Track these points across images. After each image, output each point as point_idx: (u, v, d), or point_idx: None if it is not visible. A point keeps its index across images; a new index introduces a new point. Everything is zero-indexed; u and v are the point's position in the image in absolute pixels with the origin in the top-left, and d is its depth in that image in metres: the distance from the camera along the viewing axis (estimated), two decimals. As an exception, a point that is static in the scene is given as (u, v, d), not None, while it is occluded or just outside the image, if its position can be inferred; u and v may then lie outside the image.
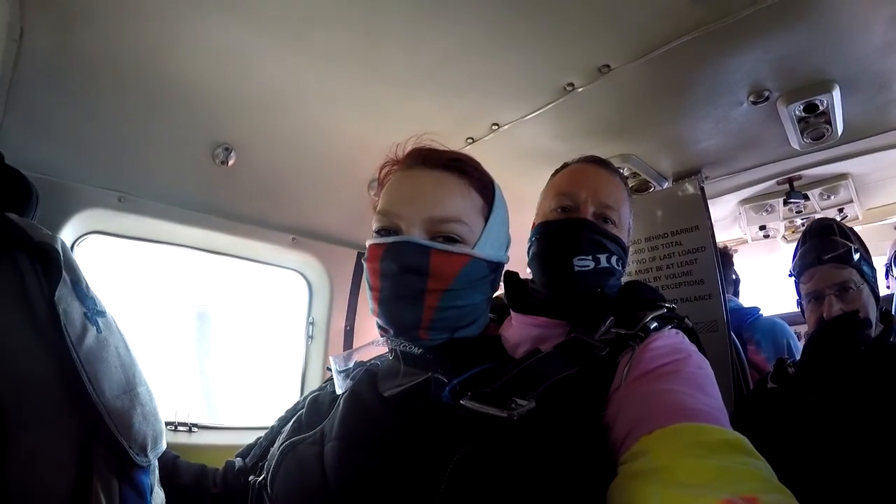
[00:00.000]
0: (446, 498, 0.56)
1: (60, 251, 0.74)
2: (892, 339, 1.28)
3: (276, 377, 1.83)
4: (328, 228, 1.73)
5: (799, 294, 1.37)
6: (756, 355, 1.74)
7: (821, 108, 1.27)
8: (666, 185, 1.69)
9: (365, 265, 0.76)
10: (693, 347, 0.81)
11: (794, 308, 1.44)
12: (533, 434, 0.60)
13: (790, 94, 1.26)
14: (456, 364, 0.71)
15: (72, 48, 1.08)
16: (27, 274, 0.70)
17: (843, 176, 1.73)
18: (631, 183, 1.66)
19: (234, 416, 1.74)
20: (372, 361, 0.84)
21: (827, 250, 1.28)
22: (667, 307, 0.87)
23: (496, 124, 1.41)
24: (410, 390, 0.69)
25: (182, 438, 1.45)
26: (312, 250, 1.71)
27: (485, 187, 0.79)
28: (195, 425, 1.48)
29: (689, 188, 1.60)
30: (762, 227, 2.10)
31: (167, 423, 1.42)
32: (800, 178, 1.75)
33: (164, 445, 0.82)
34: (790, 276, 1.40)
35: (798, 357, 1.39)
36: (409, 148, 0.81)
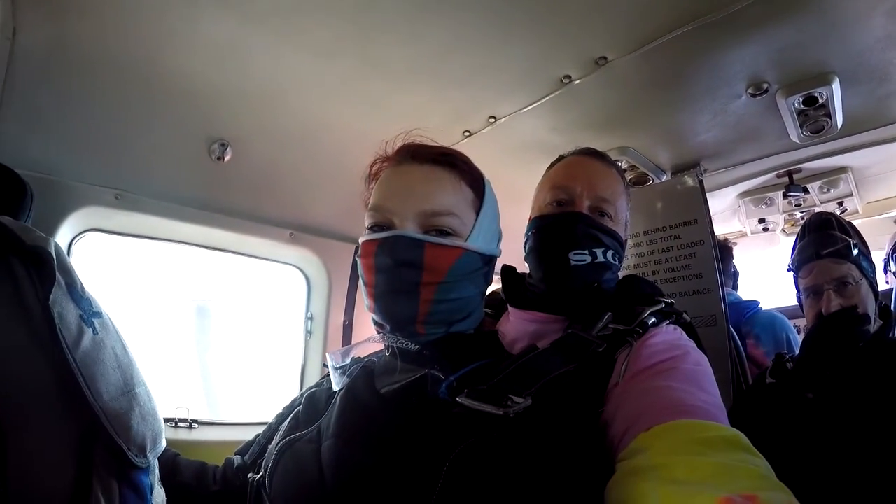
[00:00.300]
0: (443, 496, 0.55)
1: (54, 254, 0.73)
2: (890, 335, 1.28)
3: (275, 372, 1.83)
4: (325, 223, 1.73)
5: (798, 289, 1.36)
6: (755, 349, 1.74)
7: (820, 100, 1.26)
8: (664, 177, 1.69)
9: (359, 262, 0.76)
10: (691, 343, 0.81)
11: (794, 302, 1.43)
12: (529, 431, 0.60)
13: (789, 87, 1.25)
14: (453, 360, 0.71)
15: (66, 46, 1.08)
16: (21, 279, 0.69)
17: (842, 169, 1.72)
18: (629, 176, 1.65)
19: (233, 412, 1.74)
20: (369, 358, 0.84)
21: (826, 245, 1.27)
22: (665, 302, 0.87)
23: (493, 117, 1.41)
24: (407, 387, 0.69)
25: (182, 435, 1.46)
26: (310, 245, 1.71)
27: (475, 181, 0.79)
28: (195, 421, 1.49)
29: (688, 181, 1.59)
30: (761, 220, 2.10)
31: (167, 420, 1.43)
32: (799, 171, 1.74)
33: (163, 445, 0.81)
34: (789, 270, 1.39)
35: (797, 351, 1.38)
36: (398, 144, 0.81)
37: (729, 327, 1.48)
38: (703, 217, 1.53)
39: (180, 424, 1.47)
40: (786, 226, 2.16)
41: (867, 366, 1.16)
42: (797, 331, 1.83)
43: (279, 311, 1.87)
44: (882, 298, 1.32)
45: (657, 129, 1.49)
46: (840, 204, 1.88)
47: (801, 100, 1.26)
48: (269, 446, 0.80)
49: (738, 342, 1.68)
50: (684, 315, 0.89)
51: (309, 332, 1.76)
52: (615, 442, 0.63)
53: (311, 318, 1.77)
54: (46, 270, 0.71)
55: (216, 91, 1.25)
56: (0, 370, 0.63)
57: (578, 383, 0.70)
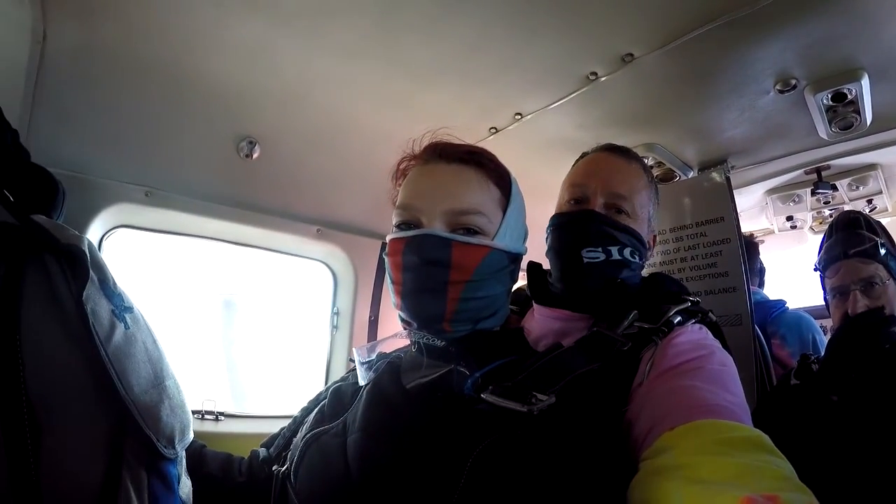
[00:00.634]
0: (466, 492, 0.56)
1: (87, 251, 0.75)
2: None
3: (300, 366, 1.85)
4: (352, 219, 1.75)
5: (824, 289, 1.34)
6: (781, 350, 1.71)
7: (849, 96, 1.23)
8: (691, 174, 1.66)
9: (386, 259, 0.77)
10: (717, 343, 0.81)
11: (821, 301, 1.41)
12: (553, 429, 0.60)
13: (818, 83, 1.22)
14: (478, 356, 0.72)
15: (95, 48, 1.11)
16: (55, 275, 0.72)
17: (872, 166, 1.68)
18: (655, 172, 1.63)
19: (260, 405, 1.77)
20: (395, 353, 0.85)
21: (853, 244, 1.25)
22: (691, 301, 0.87)
23: (519, 114, 1.41)
24: (433, 383, 0.70)
25: (209, 427, 1.49)
26: (337, 241, 1.72)
27: (501, 179, 0.80)
28: (222, 414, 1.52)
29: (715, 178, 1.57)
30: (789, 218, 2.06)
31: (194, 412, 1.46)
32: (828, 167, 1.70)
33: (191, 436, 0.83)
34: (815, 269, 1.37)
35: (823, 352, 1.36)
36: (425, 142, 0.82)
37: (754, 327, 1.46)
38: (730, 215, 1.51)
39: (207, 417, 1.50)
40: (814, 223, 2.12)
41: (893, 368, 1.14)
42: (824, 331, 1.80)
43: (305, 306, 1.89)
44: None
45: (684, 125, 1.47)
46: (869, 202, 1.84)
47: (829, 96, 1.24)
48: (295, 439, 0.82)
49: (764, 342, 1.66)
50: (710, 314, 0.89)
51: (335, 328, 1.78)
52: (639, 441, 0.64)
53: (337, 314, 1.79)
54: (80, 267, 0.73)
55: (244, 90, 1.27)
56: (35, 366, 0.65)
57: (603, 382, 0.70)
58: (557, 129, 1.47)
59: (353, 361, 0.84)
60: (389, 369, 0.77)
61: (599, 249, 0.91)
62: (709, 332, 0.84)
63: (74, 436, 0.67)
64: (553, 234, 0.97)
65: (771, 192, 1.90)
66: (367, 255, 1.77)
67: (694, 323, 0.84)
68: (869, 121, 1.31)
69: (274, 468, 0.79)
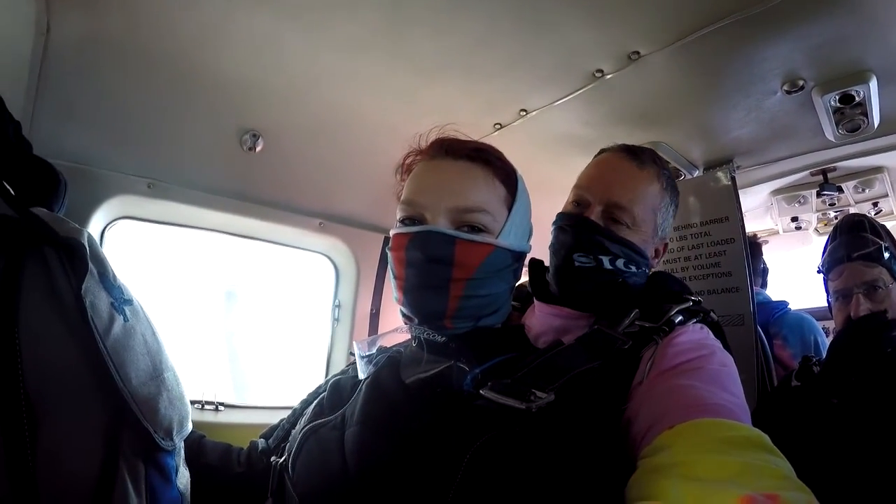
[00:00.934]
0: (462, 488, 0.56)
1: (86, 245, 0.76)
2: None
3: (301, 358, 1.86)
4: (355, 213, 1.75)
5: (827, 291, 1.34)
6: (782, 350, 1.71)
7: (857, 98, 1.22)
8: (697, 173, 1.65)
9: (389, 254, 0.77)
10: (717, 344, 0.81)
11: (824, 303, 1.41)
12: (551, 427, 0.60)
13: (826, 84, 1.21)
14: (479, 353, 0.72)
15: (99, 40, 1.10)
16: (55, 268, 0.72)
17: (878, 169, 1.67)
18: (661, 171, 1.63)
19: (260, 396, 1.78)
20: (395, 348, 0.85)
21: (857, 247, 1.25)
22: (692, 300, 0.86)
23: (524, 110, 1.40)
24: (432, 378, 0.70)
25: (209, 417, 1.49)
26: (339, 234, 1.73)
27: (508, 177, 0.79)
28: (222, 404, 1.53)
29: (720, 178, 1.56)
30: (794, 219, 2.05)
31: (194, 402, 1.47)
32: (834, 169, 1.69)
33: (189, 427, 0.84)
34: (819, 272, 1.37)
35: (825, 354, 1.36)
36: (432, 137, 0.82)
37: (756, 327, 1.46)
38: (735, 215, 1.50)
39: (207, 407, 1.51)
40: (819, 225, 2.11)
41: (894, 373, 1.14)
42: (826, 333, 1.79)
43: (307, 299, 1.90)
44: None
45: (690, 124, 1.46)
46: (875, 205, 1.84)
47: (837, 98, 1.23)
48: (293, 431, 0.82)
49: (765, 342, 1.66)
50: (711, 314, 0.89)
51: (336, 320, 1.79)
52: (638, 439, 0.63)
53: (338, 306, 1.80)
54: (79, 261, 0.73)
55: (248, 83, 1.27)
56: (34, 358, 0.65)
57: (602, 380, 0.70)
58: (563, 126, 1.46)
59: (354, 355, 0.84)
60: (389, 364, 0.77)
61: (591, 256, 0.90)
62: (710, 332, 0.84)
63: (72, 428, 0.68)
64: (553, 234, 0.97)
65: (776, 192, 1.89)
66: (369, 249, 1.78)
67: (695, 323, 0.84)
68: (876, 123, 1.30)
69: (272, 459, 0.80)
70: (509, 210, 0.77)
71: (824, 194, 1.74)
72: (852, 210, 1.89)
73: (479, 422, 0.61)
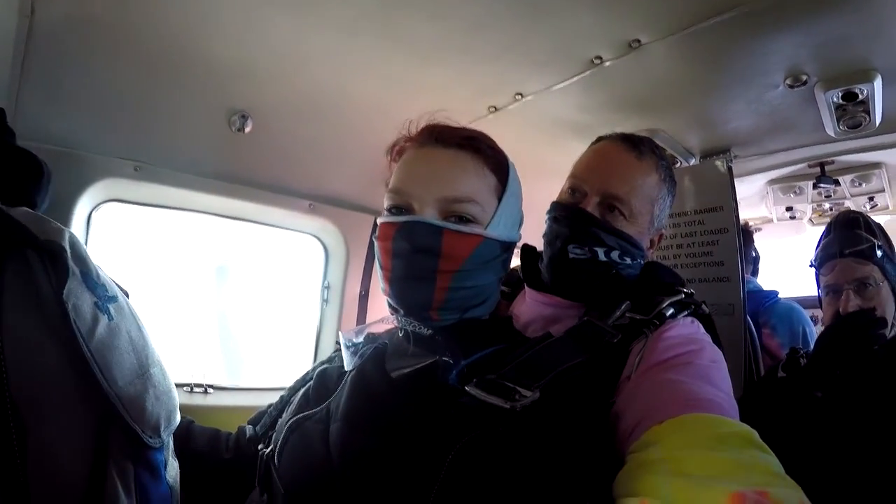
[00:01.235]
0: (444, 487, 0.56)
1: (67, 247, 0.74)
2: None
3: (290, 338, 1.86)
4: (345, 194, 1.73)
5: (818, 285, 1.34)
6: (770, 340, 1.73)
7: (860, 96, 1.21)
8: (693, 161, 1.64)
9: (376, 243, 0.75)
10: (707, 338, 0.80)
11: (814, 291, 1.42)
12: (536, 426, 0.60)
13: (829, 81, 1.20)
14: (465, 345, 0.71)
15: (84, 21, 1.06)
16: (37, 270, 0.71)
17: (876, 165, 1.68)
18: (657, 157, 1.62)
19: (249, 374, 1.78)
20: (381, 339, 0.83)
21: (850, 244, 1.25)
22: (685, 292, 0.86)
23: (520, 94, 1.37)
24: (417, 373, 0.69)
25: (198, 400, 1.49)
26: (329, 216, 1.71)
27: (499, 166, 0.77)
28: (211, 386, 1.52)
29: (717, 167, 1.55)
30: (789, 209, 2.06)
31: (183, 385, 1.47)
32: (832, 162, 1.69)
33: (177, 420, 0.84)
34: (811, 266, 1.37)
35: (812, 347, 1.37)
36: (422, 124, 0.80)
37: (746, 317, 1.47)
38: (730, 205, 1.50)
39: (196, 389, 1.50)
40: (813, 215, 2.12)
41: (879, 370, 1.15)
42: (815, 321, 1.81)
43: (295, 278, 1.89)
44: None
45: (688, 113, 1.45)
46: (871, 199, 1.84)
47: (840, 94, 1.22)
48: (280, 420, 0.81)
49: (754, 332, 1.67)
50: (703, 306, 0.88)
51: (325, 301, 1.78)
52: (626, 434, 0.63)
53: (327, 287, 1.79)
54: (60, 264, 0.72)
55: (237, 63, 1.23)
56: (18, 366, 0.64)
57: (589, 375, 0.70)
58: (559, 110, 1.44)
59: (340, 344, 0.83)
60: (374, 356, 0.77)
61: (586, 248, 0.89)
62: (700, 326, 0.83)
63: (60, 434, 0.67)
64: (547, 224, 0.96)
65: (772, 182, 1.88)
66: (358, 230, 1.76)
67: (686, 316, 0.83)
68: (878, 121, 1.30)
69: (259, 447, 0.80)
70: (499, 200, 0.76)
71: (821, 186, 1.74)
72: (848, 203, 1.89)
73: (463, 420, 0.61)
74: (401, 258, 0.71)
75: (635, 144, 0.96)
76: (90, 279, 0.76)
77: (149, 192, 1.41)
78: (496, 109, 1.44)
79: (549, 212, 0.96)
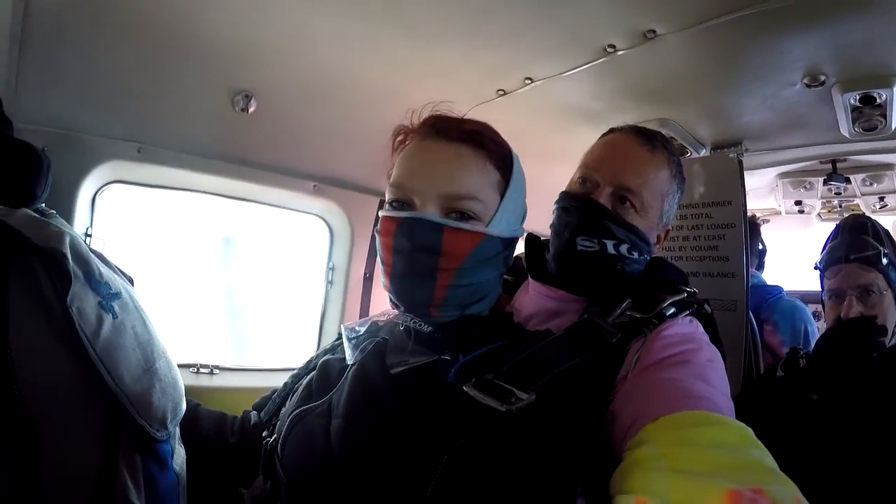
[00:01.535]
0: (439, 487, 0.57)
1: (69, 252, 0.74)
2: None
3: (295, 317, 1.87)
4: (350, 175, 1.71)
5: (822, 288, 1.34)
6: (772, 337, 1.73)
7: (878, 101, 1.20)
8: (703, 152, 1.62)
9: (378, 238, 0.75)
10: (705, 338, 0.80)
11: (818, 286, 1.41)
12: (531, 428, 0.61)
13: (848, 83, 1.19)
14: (465, 342, 0.72)
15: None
16: (40, 274, 0.71)
17: (889, 166, 1.66)
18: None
19: (255, 354, 1.80)
20: (382, 333, 0.82)
21: (856, 249, 1.25)
22: (687, 291, 0.85)
23: (529, 79, 1.34)
24: (417, 371, 0.70)
25: (204, 381, 1.50)
26: (334, 197, 1.69)
27: (502, 160, 0.76)
28: (217, 367, 1.53)
29: (727, 160, 1.53)
30: (798, 202, 2.04)
31: (189, 366, 1.48)
32: (844, 160, 1.67)
33: (183, 410, 0.86)
34: (816, 268, 1.37)
35: (812, 346, 1.37)
36: (425, 115, 0.78)
37: (748, 314, 1.46)
38: (738, 199, 1.47)
39: (202, 370, 1.51)
40: (822, 211, 2.10)
41: (876, 377, 1.16)
42: (817, 317, 1.81)
43: (301, 256, 1.89)
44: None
45: (701, 105, 1.42)
46: (881, 199, 1.82)
47: (857, 97, 1.21)
48: (283, 410, 0.82)
49: (756, 328, 1.67)
50: (706, 306, 0.88)
51: (330, 282, 1.78)
52: (622, 432, 0.64)
53: (332, 269, 1.78)
54: (62, 270, 0.72)
55: (240, 42, 1.21)
56: (27, 371, 0.65)
57: (587, 375, 0.70)
58: (570, 96, 1.41)
59: (342, 336, 0.84)
60: (375, 352, 0.77)
61: (595, 241, 0.89)
62: (699, 326, 0.83)
63: (71, 435, 0.69)
64: (556, 214, 0.95)
65: (783, 175, 1.86)
66: (363, 212, 1.75)
67: (686, 315, 0.83)
68: (894, 126, 1.28)
69: (264, 434, 0.81)
70: (502, 196, 0.75)
71: (831, 183, 1.72)
72: (857, 201, 1.88)
73: (460, 420, 0.62)
74: (401, 255, 0.70)
75: (648, 138, 0.95)
76: (93, 279, 0.77)
77: (152, 173, 1.40)
78: (505, 93, 1.41)
79: (558, 202, 0.95)
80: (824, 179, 1.73)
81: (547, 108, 1.48)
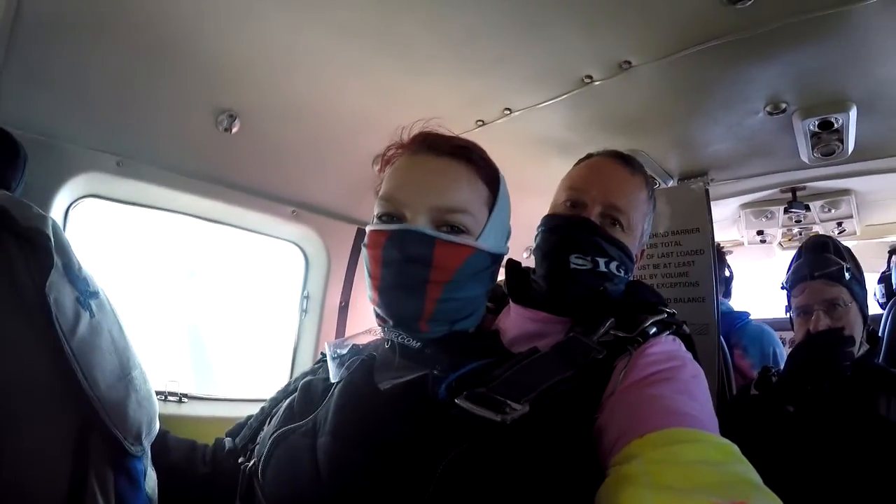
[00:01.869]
0: (435, 499, 0.56)
1: (51, 235, 0.70)
2: (876, 360, 1.31)
3: (268, 348, 1.82)
4: (328, 202, 1.70)
5: (790, 306, 1.39)
6: (742, 360, 1.77)
7: (835, 125, 1.27)
8: (671, 183, 1.69)
9: (365, 251, 0.74)
10: (688, 356, 0.81)
11: (783, 313, 1.46)
12: (525, 439, 0.60)
13: (807, 109, 1.26)
14: (454, 358, 0.71)
15: (72, 6, 1.03)
16: (15, 258, 0.67)
17: (846, 191, 1.75)
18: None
19: (225, 383, 1.73)
20: (367, 351, 0.81)
21: (819, 267, 1.31)
22: (667, 312, 0.87)
23: (508, 109, 1.39)
24: (407, 386, 0.68)
25: (172, 409, 1.44)
26: (311, 223, 1.68)
27: (490, 177, 0.78)
28: (185, 395, 1.47)
29: (694, 189, 1.59)
30: (760, 232, 2.13)
31: (157, 393, 1.40)
32: (804, 188, 1.76)
33: (157, 428, 0.80)
34: (783, 288, 1.42)
35: (782, 365, 1.41)
36: (415, 131, 0.79)
37: (720, 337, 1.50)
38: (706, 227, 1.54)
39: (170, 398, 1.45)
40: (783, 240, 2.19)
41: (847, 386, 1.21)
42: (784, 343, 1.86)
43: (274, 286, 1.85)
44: (871, 323, 1.34)
45: (670, 135, 1.49)
46: (839, 224, 1.92)
47: (816, 123, 1.28)
48: (262, 434, 0.79)
49: (727, 352, 1.70)
50: (684, 326, 0.90)
51: (304, 311, 1.74)
52: (608, 448, 0.63)
53: (307, 297, 1.75)
54: (43, 254, 0.68)
55: (227, 60, 1.21)
56: None
57: (576, 390, 0.70)
58: (546, 127, 1.46)
59: (325, 355, 0.81)
60: (362, 368, 0.74)
61: (588, 258, 0.90)
62: (682, 344, 0.84)
63: (38, 437, 0.64)
64: (543, 235, 0.96)
65: (745, 206, 1.95)
66: (341, 240, 1.74)
67: (668, 334, 0.85)
68: (851, 149, 1.36)
69: (240, 461, 0.77)
70: (490, 211, 0.76)
71: (792, 211, 1.81)
72: (817, 228, 1.97)
73: (453, 432, 0.60)
74: (391, 267, 0.70)
75: (628, 161, 0.99)
76: (72, 272, 0.72)
77: (130, 189, 1.36)
78: (484, 123, 1.45)
79: (544, 224, 0.97)
80: (785, 208, 1.82)
81: (524, 139, 1.52)
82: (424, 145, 0.76)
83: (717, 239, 1.76)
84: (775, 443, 1.18)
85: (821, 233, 2.01)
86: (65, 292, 0.69)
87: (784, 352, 1.80)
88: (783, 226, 2.02)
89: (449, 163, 0.74)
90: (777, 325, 1.91)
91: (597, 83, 1.23)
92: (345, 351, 0.81)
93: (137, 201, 1.43)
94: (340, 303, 1.76)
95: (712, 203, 1.60)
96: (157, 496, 0.78)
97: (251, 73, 1.26)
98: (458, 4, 1.04)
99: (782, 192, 1.79)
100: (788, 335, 1.60)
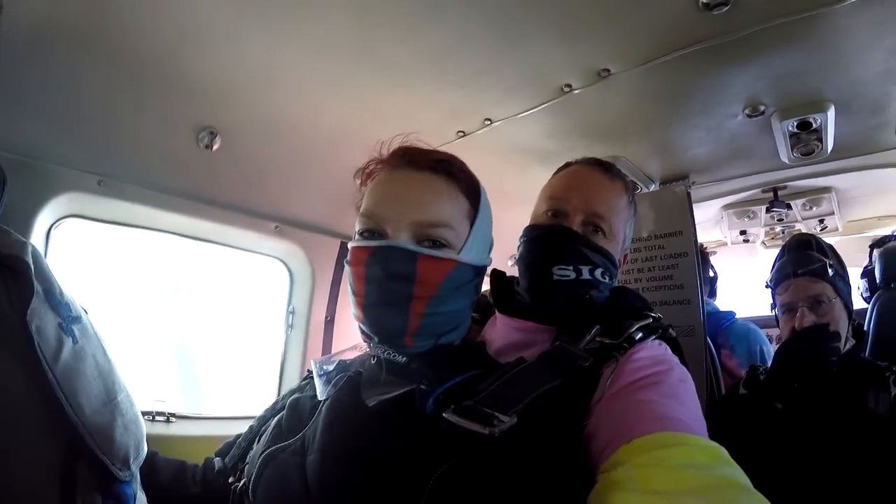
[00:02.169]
0: None
1: (31, 263, 0.69)
2: (862, 354, 1.33)
3: (254, 364, 1.80)
4: (312, 217, 1.70)
5: (774, 304, 1.40)
6: (729, 360, 1.78)
7: (814, 125, 1.29)
8: (653, 187, 1.70)
9: (348, 268, 0.74)
10: (675, 360, 0.82)
11: (768, 311, 1.48)
12: (514, 450, 0.60)
13: (785, 111, 1.28)
14: (440, 372, 0.70)
15: (54, 24, 1.01)
16: None
17: (826, 189, 1.78)
18: (616, 183, 1.67)
19: (212, 402, 1.71)
20: (354, 368, 0.80)
21: (803, 264, 1.32)
22: (652, 316, 0.88)
23: (489, 119, 1.39)
24: (394, 401, 0.68)
25: (160, 429, 1.42)
26: (295, 239, 1.67)
27: (471, 190, 0.78)
28: (173, 415, 1.45)
29: (676, 193, 1.61)
30: (742, 232, 2.15)
31: (144, 413, 1.39)
32: (785, 188, 1.79)
33: (144, 451, 0.79)
34: (767, 286, 1.43)
35: (769, 363, 1.43)
36: (394, 146, 0.79)
37: (706, 338, 1.51)
38: (689, 229, 1.55)
39: (157, 418, 1.43)
40: (766, 238, 2.21)
41: (834, 381, 1.22)
42: (770, 340, 1.88)
43: (260, 302, 1.84)
44: (856, 318, 1.36)
45: (651, 140, 1.50)
46: (821, 221, 1.94)
47: (795, 124, 1.30)
48: (251, 452, 0.78)
49: (714, 352, 1.72)
50: (670, 330, 0.90)
51: (290, 327, 1.73)
52: (597, 455, 0.63)
53: (292, 313, 1.74)
54: (23, 281, 0.67)
55: (207, 78, 1.20)
56: None
57: (563, 399, 0.70)
58: (526, 137, 1.47)
59: (311, 373, 0.81)
60: (349, 385, 0.74)
61: (571, 268, 0.90)
62: (668, 349, 0.85)
63: (25, 469, 0.63)
64: (525, 246, 0.96)
65: (727, 207, 1.97)
66: (325, 254, 1.73)
67: (654, 339, 0.85)
68: (830, 148, 1.38)
69: (230, 481, 0.77)
70: (471, 224, 0.76)
71: (774, 210, 1.83)
72: (799, 226, 1.99)
73: (442, 446, 0.60)
74: (374, 284, 0.69)
75: (607, 168, 1.00)
76: (53, 297, 0.71)
77: (111, 208, 1.35)
78: (465, 134, 1.46)
79: (526, 234, 0.97)
80: (767, 207, 1.84)
81: (504, 149, 1.53)
82: (404, 160, 0.76)
83: (700, 240, 1.78)
84: (765, 441, 1.19)
85: (803, 230, 2.04)
86: (47, 319, 0.69)
87: (771, 349, 1.81)
88: (766, 225, 2.04)
89: (429, 177, 0.74)
90: (763, 322, 1.93)
91: (576, 91, 1.24)
92: (331, 367, 0.80)
93: (120, 220, 1.42)
94: (326, 317, 1.75)
95: (695, 205, 1.62)
96: None
97: (231, 90, 1.25)
98: (436, 18, 1.04)
99: (764, 192, 1.81)
100: (775, 332, 1.62)
